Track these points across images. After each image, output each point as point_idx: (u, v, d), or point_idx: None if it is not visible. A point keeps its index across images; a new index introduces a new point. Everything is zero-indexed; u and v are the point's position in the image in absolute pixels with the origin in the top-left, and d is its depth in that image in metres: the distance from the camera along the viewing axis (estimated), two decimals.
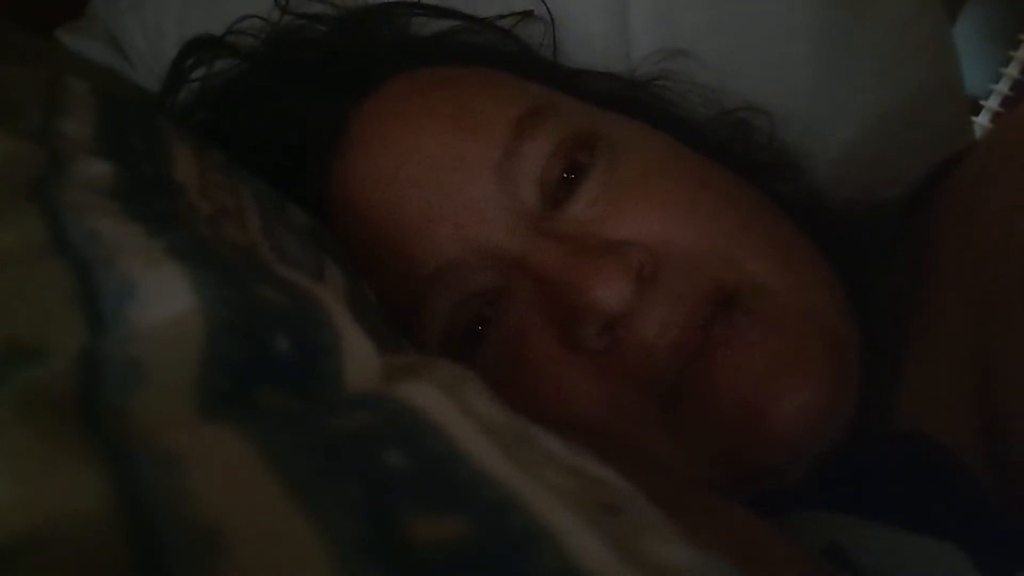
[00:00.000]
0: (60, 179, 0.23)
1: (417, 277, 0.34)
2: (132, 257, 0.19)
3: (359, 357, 0.20)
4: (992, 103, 1.21)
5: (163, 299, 0.18)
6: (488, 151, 0.35)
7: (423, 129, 0.36)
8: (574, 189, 0.35)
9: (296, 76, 0.42)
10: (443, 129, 0.36)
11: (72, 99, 0.28)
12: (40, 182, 0.22)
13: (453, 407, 0.18)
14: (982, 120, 1.21)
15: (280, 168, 0.37)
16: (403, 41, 0.46)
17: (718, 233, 0.34)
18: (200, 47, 0.46)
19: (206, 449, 0.15)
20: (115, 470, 0.14)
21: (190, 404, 0.16)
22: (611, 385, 0.32)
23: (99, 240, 0.20)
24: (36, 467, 0.13)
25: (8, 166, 0.23)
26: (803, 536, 0.31)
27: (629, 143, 0.37)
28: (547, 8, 0.48)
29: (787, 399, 0.31)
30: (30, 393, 0.15)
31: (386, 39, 0.46)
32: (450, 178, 0.35)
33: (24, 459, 0.13)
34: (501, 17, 0.48)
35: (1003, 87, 1.21)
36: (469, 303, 0.35)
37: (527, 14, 0.48)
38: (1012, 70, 1.19)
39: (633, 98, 0.47)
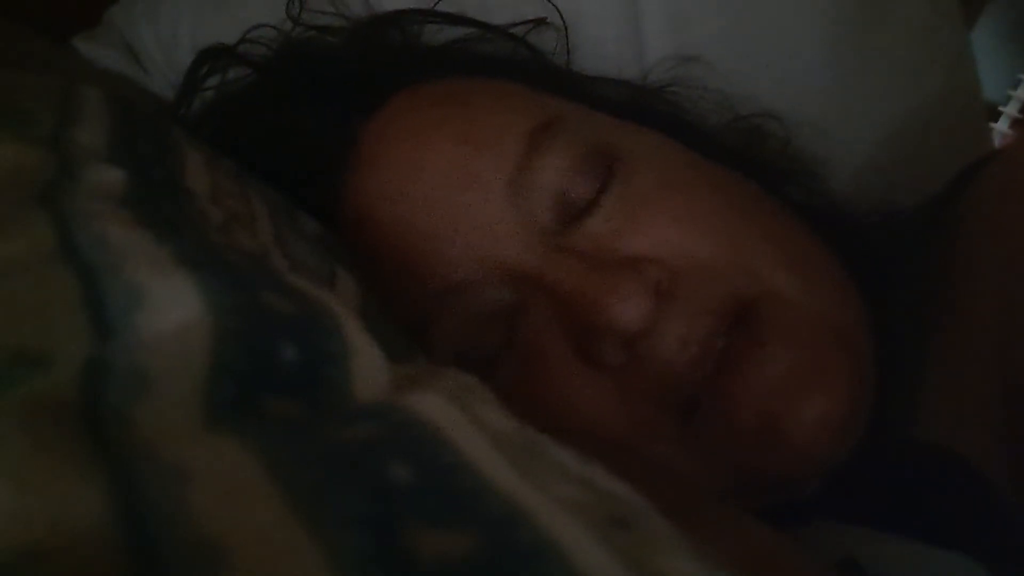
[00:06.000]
0: (70, 185, 0.23)
1: (426, 297, 0.34)
2: (139, 264, 0.19)
3: (368, 365, 0.20)
4: (1011, 109, 1.20)
5: (170, 307, 0.18)
6: (499, 167, 0.34)
7: (431, 145, 0.36)
8: (591, 205, 0.34)
9: (306, 89, 0.41)
10: (452, 145, 0.35)
11: (85, 107, 0.28)
12: (50, 188, 0.22)
13: (461, 418, 0.18)
14: (1001, 126, 1.20)
15: (290, 181, 0.37)
16: (414, 52, 0.46)
17: (734, 244, 0.34)
18: (213, 56, 0.46)
19: (209, 462, 0.14)
20: (117, 483, 0.13)
21: (195, 414, 0.16)
22: (629, 400, 0.32)
23: (107, 246, 0.20)
24: (37, 480, 0.13)
25: (19, 172, 0.23)
26: (819, 547, 0.31)
27: (644, 154, 0.36)
28: (560, 15, 0.48)
29: (805, 409, 0.31)
30: (34, 403, 0.15)
31: (397, 50, 0.46)
32: (460, 196, 0.34)
33: (26, 471, 0.13)
34: (514, 25, 0.48)
35: (1022, 93, 1.19)
36: (482, 322, 0.34)
37: (540, 21, 0.48)
38: None
39: (646, 105, 0.46)
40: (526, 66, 0.46)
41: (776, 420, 0.31)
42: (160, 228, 0.22)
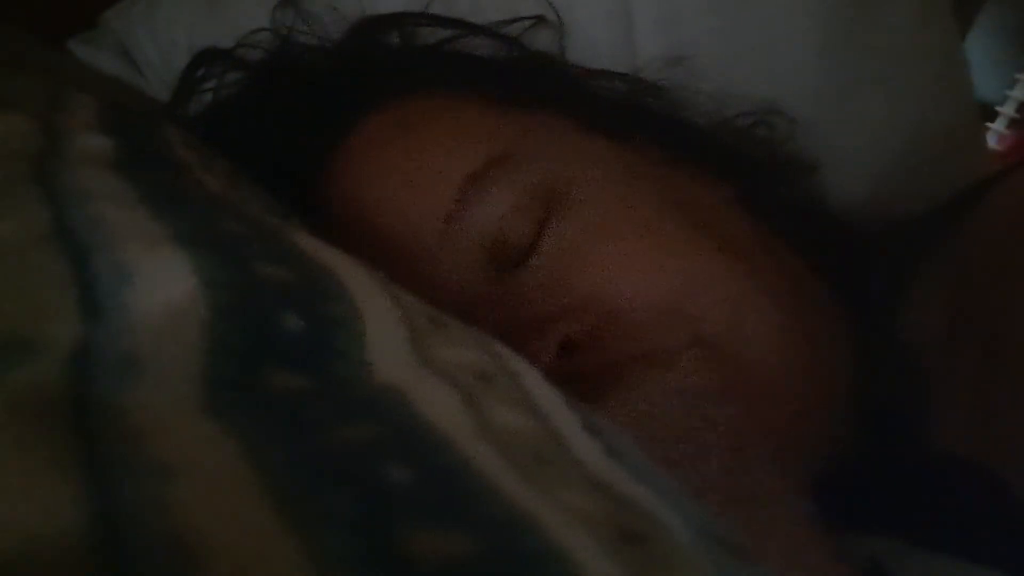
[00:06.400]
0: (60, 152, 0.22)
1: None
2: (131, 242, 0.19)
3: (383, 330, 0.19)
4: (1008, 109, 1.20)
5: (160, 285, 0.18)
6: (435, 213, 0.35)
7: (378, 188, 0.36)
8: (526, 252, 0.35)
9: (284, 108, 0.42)
10: (395, 188, 0.36)
11: (74, 102, 0.27)
12: (42, 161, 0.22)
13: (469, 420, 0.17)
14: (998, 126, 1.20)
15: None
16: (394, 65, 0.46)
17: (668, 290, 0.34)
18: (210, 59, 0.46)
19: (197, 457, 0.14)
20: (98, 483, 0.13)
21: (191, 398, 0.15)
22: None
23: (101, 226, 0.19)
24: (16, 482, 0.13)
25: (9, 143, 0.22)
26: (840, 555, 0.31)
27: (590, 188, 0.36)
28: (557, 15, 0.48)
29: None
30: (18, 394, 0.14)
31: (377, 63, 0.46)
32: (397, 241, 0.35)
33: (5, 473, 0.13)
34: (508, 22, 0.48)
35: (1019, 93, 1.19)
36: None
37: (539, 19, 0.48)
38: None
39: (637, 102, 0.46)
40: (501, 74, 0.46)
41: None
42: (156, 200, 0.21)
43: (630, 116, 0.42)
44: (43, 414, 0.14)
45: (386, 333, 0.19)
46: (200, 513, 0.13)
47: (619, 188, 0.38)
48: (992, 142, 1.17)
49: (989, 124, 1.18)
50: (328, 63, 0.45)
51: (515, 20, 0.48)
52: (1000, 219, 0.36)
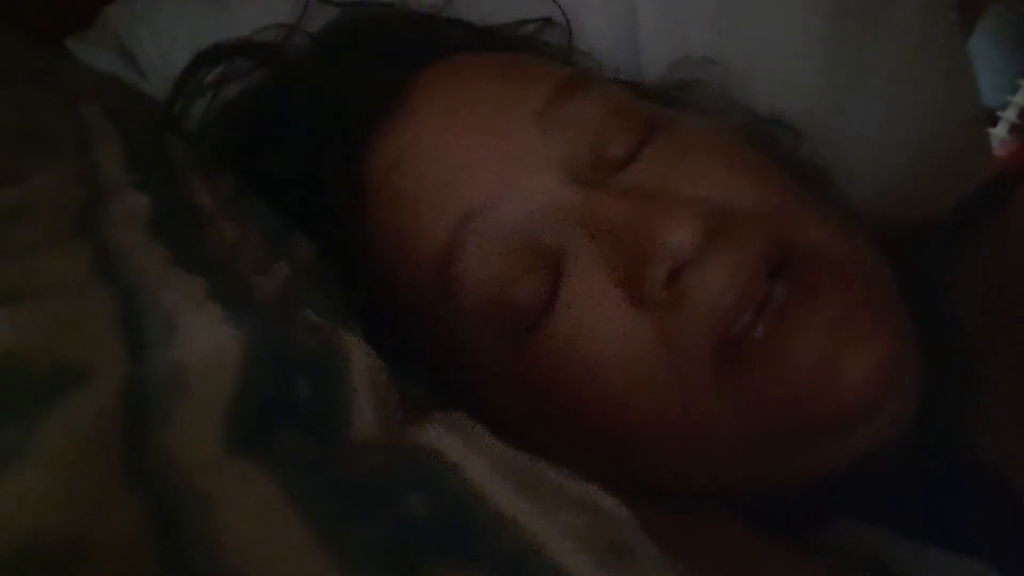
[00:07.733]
0: (103, 210, 0.24)
1: (448, 221, 0.33)
2: (176, 295, 0.20)
3: (366, 417, 0.20)
4: (1010, 114, 1.20)
5: (203, 335, 0.19)
6: (529, 99, 0.34)
7: (469, 85, 0.36)
8: (632, 154, 0.34)
9: (358, 51, 0.42)
10: (487, 83, 0.36)
11: (95, 128, 0.29)
12: (87, 213, 0.24)
13: (465, 448, 0.18)
14: (999, 131, 1.20)
15: (316, 147, 0.37)
16: (458, 25, 0.47)
17: (779, 199, 0.34)
18: (216, 56, 0.45)
19: (233, 488, 0.15)
20: (151, 500, 0.14)
21: (218, 438, 0.17)
22: (670, 345, 0.31)
23: (145, 275, 0.21)
24: (80, 484, 0.14)
25: (58, 196, 0.24)
26: (843, 549, 0.31)
27: (680, 117, 0.37)
28: (565, 17, 0.48)
29: (860, 351, 0.30)
30: (75, 416, 0.15)
31: (443, 23, 0.46)
32: (492, 124, 0.34)
33: (71, 475, 0.14)
34: (518, 24, 0.47)
35: (1021, 99, 1.20)
36: (516, 257, 0.33)
37: (546, 21, 0.48)
38: None
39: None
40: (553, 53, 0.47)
41: (823, 359, 0.30)
42: (191, 263, 0.23)
43: None
44: (100, 434, 0.15)
45: (368, 420, 0.20)
46: (247, 539, 0.14)
47: (701, 121, 0.38)
48: (994, 148, 1.17)
49: (991, 130, 1.19)
50: (390, 23, 0.45)
51: (523, 22, 0.48)
52: None
